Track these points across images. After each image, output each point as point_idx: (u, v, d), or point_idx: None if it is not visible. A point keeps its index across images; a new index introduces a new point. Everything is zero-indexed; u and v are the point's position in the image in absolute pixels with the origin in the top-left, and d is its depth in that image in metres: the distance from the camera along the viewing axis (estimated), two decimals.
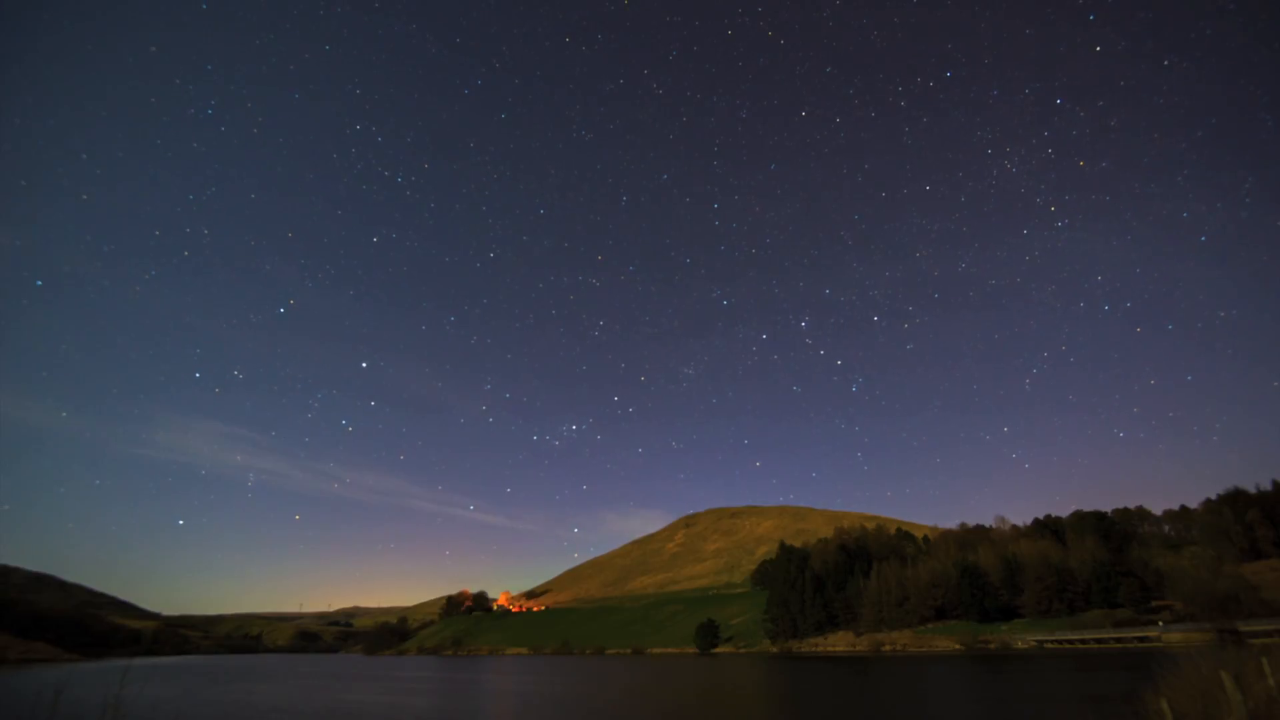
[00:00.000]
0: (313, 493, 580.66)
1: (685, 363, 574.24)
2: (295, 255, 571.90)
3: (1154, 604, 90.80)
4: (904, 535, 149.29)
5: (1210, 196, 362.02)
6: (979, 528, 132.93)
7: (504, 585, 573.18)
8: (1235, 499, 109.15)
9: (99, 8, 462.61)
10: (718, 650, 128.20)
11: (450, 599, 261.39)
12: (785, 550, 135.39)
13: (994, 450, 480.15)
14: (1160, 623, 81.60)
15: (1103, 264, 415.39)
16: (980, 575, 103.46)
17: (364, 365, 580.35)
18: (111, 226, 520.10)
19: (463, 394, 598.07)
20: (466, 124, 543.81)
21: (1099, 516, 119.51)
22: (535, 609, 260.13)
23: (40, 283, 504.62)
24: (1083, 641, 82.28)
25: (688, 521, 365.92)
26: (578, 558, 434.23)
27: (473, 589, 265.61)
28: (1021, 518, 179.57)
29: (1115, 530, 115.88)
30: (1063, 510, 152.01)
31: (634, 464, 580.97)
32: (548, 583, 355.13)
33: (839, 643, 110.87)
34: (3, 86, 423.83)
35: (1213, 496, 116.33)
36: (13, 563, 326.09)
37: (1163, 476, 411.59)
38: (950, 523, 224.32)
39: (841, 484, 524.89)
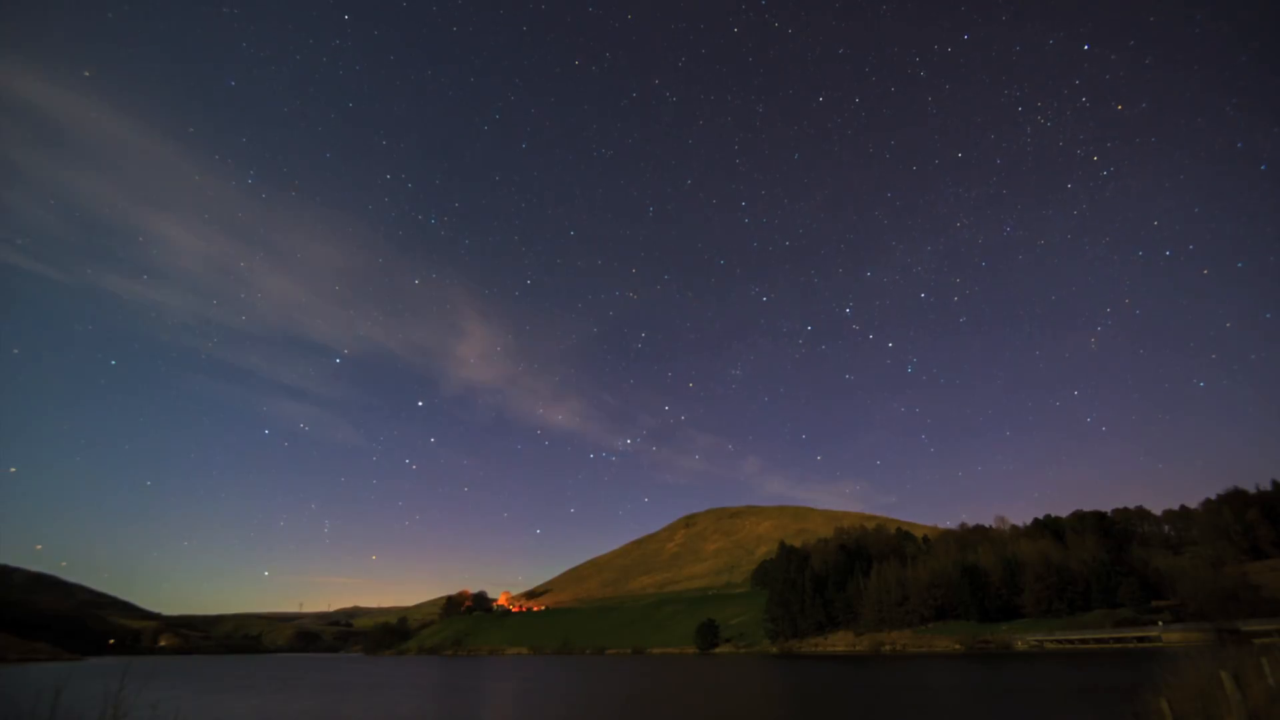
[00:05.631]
0: (384, 533, 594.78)
1: (732, 364, 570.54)
2: (345, 306, 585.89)
3: (1154, 604, 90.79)
4: (904, 535, 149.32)
5: (1265, 122, 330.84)
6: (979, 528, 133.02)
7: (504, 585, 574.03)
8: (1235, 499, 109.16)
9: (139, 99, 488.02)
10: (718, 650, 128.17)
11: (450, 599, 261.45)
12: (785, 550, 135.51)
13: (1066, 415, 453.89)
14: (1160, 622, 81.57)
15: (1157, 208, 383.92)
16: (980, 575, 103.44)
17: (420, 404, 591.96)
18: (173, 303, 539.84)
19: (517, 421, 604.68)
20: (489, 158, 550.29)
21: (1099, 516, 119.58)
22: (535, 609, 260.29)
23: (114, 362, 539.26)
24: (1083, 641, 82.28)
25: (688, 521, 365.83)
26: (578, 558, 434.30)
27: (473, 589, 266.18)
28: (1021, 518, 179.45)
29: (1115, 530, 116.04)
30: (1061, 510, 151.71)
31: (691, 471, 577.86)
32: (548, 583, 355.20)
33: (839, 643, 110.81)
34: (64, 189, 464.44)
35: (1213, 496, 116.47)
36: (13, 563, 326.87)
37: (1163, 476, 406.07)
38: (951, 522, 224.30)
39: (907, 469, 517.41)
